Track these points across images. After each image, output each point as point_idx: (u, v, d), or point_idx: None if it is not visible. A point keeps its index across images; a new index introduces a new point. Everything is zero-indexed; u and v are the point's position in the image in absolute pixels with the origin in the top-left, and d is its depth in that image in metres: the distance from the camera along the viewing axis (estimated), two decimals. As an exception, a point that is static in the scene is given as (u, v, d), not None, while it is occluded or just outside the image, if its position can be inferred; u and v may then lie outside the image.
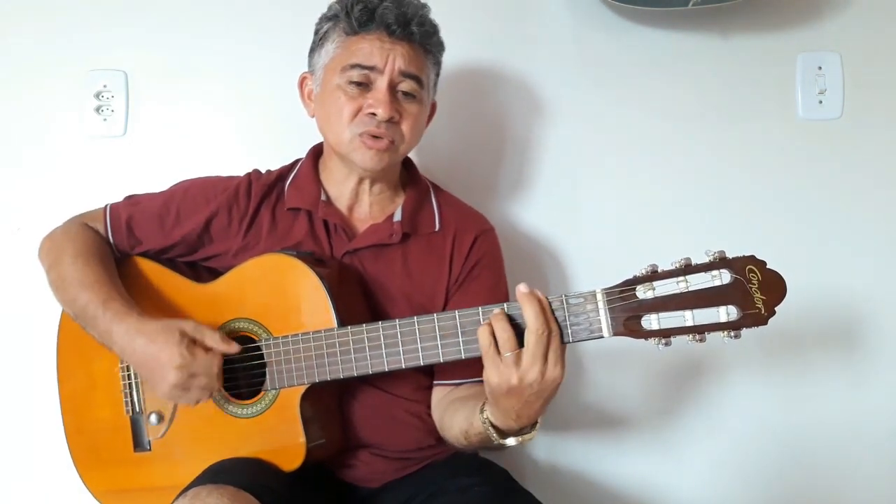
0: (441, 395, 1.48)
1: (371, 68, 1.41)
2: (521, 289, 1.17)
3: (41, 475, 1.79)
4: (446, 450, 1.50)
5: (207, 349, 1.35)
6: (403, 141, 1.44)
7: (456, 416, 1.38)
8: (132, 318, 1.37)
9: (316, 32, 1.50)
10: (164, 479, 1.44)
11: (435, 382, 1.50)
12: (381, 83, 1.41)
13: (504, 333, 1.16)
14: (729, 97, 1.85)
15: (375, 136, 1.41)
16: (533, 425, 1.24)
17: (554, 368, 1.16)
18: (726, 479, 1.81)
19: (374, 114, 1.40)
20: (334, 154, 1.50)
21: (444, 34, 1.52)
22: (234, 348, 1.36)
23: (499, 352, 1.17)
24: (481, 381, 1.27)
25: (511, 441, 1.25)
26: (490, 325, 1.18)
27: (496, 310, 1.19)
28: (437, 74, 1.53)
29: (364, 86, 1.42)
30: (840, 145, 1.85)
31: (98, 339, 1.41)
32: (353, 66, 1.42)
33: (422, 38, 1.44)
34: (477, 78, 1.84)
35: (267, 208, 1.52)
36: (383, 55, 1.41)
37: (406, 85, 1.43)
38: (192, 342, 1.34)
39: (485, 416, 1.25)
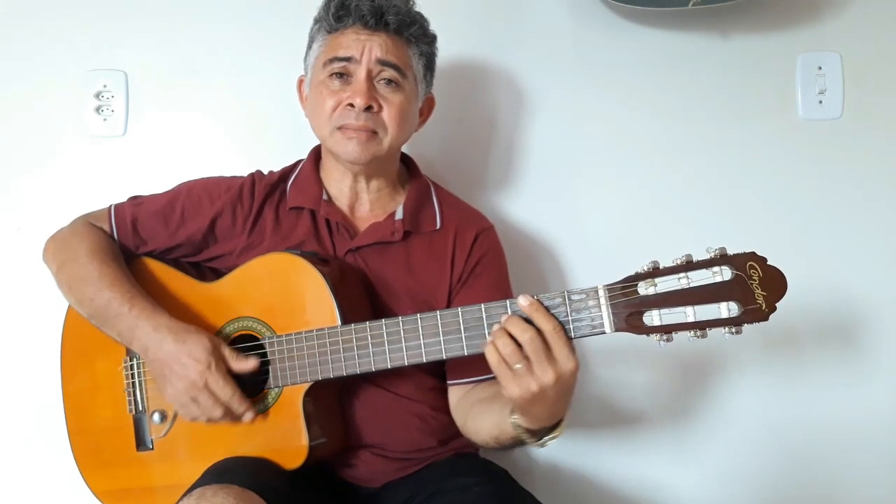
0: (459, 396, 1.48)
1: (348, 59, 1.43)
2: (521, 301, 1.18)
3: (43, 476, 1.78)
4: (447, 450, 1.51)
5: (228, 369, 1.36)
6: (386, 132, 1.45)
7: (482, 421, 1.38)
8: (162, 317, 1.38)
9: (308, 36, 1.53)
10: (166, 478, 1.44)
11: (450, 382, 1.50)
12: (360, 73, 1.43)
13: (507, 348, 1.16)
14: (729, 97, 1.85)
15: (355, 129, 1.42)
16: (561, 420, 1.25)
17: (567, 362, 1.15)
18: (727, 478, 1.81)
19: (352, 105, 1.41)
20: (328, 152, 1.51)
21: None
22: (250, 364, 1.36)
23: (509, 366, 1.16)
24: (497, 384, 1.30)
25: (549, 442, 1.26)
26: (494, 343, 1.17)
27: (495, 326, 1.19)
28: (428, 67, 1.53)
29: (344, 78, 1.44)
30: (840, 145, 1.85)
31: (115, 337, 1.42)
32: (333, 60, 1.44)
33: (399, 28, 1.45)
34: (476, 77, 1.84)
35: (270, 208, 1.53)
36: (360, 46, 1.43)
37: (386, 74, 1.44)
38: (219, 358, 1.35)
39: (517, 423, 1.25)
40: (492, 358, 1.17)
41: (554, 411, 1.21)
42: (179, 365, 1.34)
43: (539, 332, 1.16)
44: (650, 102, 1.85)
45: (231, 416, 1.36)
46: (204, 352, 1.33)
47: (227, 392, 1.34)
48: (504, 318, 1.19)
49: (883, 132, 1.85)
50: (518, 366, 1.15)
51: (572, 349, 1.16)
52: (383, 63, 1.43)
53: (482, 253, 1.52)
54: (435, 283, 1.49)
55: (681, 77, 1.85)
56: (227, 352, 1.37)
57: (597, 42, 1.85)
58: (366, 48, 1.43)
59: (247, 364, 1.36)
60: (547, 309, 1.17)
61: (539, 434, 1.26)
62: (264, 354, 1.38)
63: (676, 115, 1.85)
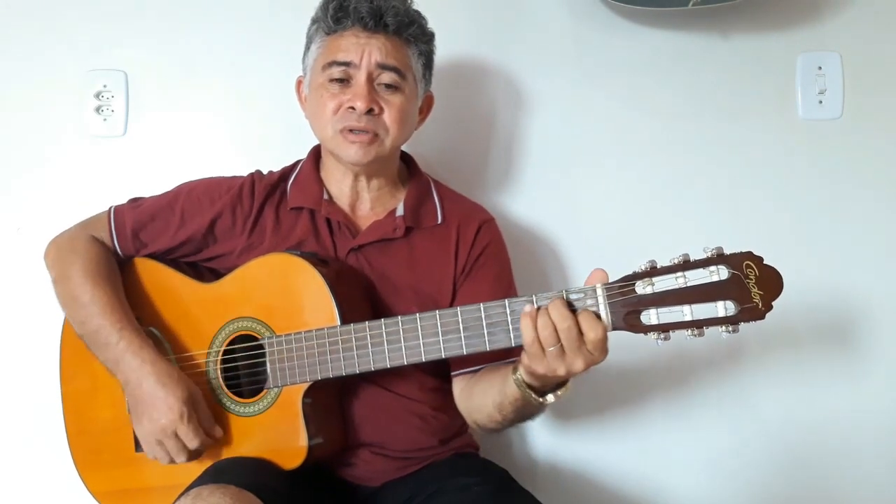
0: (463, 385, 1.48)
1: (348, 63, 1.43)
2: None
3: (43, 476, 1.78)
4: (447, 450, 1.50)
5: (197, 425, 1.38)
6: (388, 133, 1.45)
7: (486, 396, 1.39)
8: (148, 354, 1.40)
9: (306, 36, 1.53)
10: (164, 478, 1.44)
11: (454, 373, 1.50)
12: (360, 77, 1.42)
13: (546, 329, 1.15)
14: (729, 97, 1.85)
15: (356, 130, 1.43)
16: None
17: (599, 354, 1.16)
18: (727, 478, 1.81)
19: (353, 108, 1.42)
20: (329, 152, 1.51)
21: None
22: (216, 434, 1.40)
23: (542, 347, 1.16)
24: (502, 364, 1.34)
25: (550, 398, 1.26)
26: (533, 318, 1.17)
27: (547, 300, 1.18)
28: (427, 65, 1.53)
29: (345, 82, 1.44)
30: (840, 145, 1.85)
31: (102, 362, 1.43)
32: (332, 64, 1.44)
33: (398, 29, 1.45)
34: (475, 76, 1.84)
35: (270, 208, 1.52)
36: (359, 49, 1.42)
37: (386, 77, 1.44)
38: (193, 411, 1.37)
39: (520, 381, 1.26)
40: (527, 333, 1.17)
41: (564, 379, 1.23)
42: (153, 408, 1.36)
43: (577, 323, 1.15)
44: (650, 102, 1.84)
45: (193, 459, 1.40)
46: (178, 401, 1.36)
47: (194, 443, 1.37)
48: (550, 301, 1.17)
49: (883, 132, 1.85)
50: (551, 348, 1.15)
51: (605, 345, 1.16)
52: (383, 66, 1.43)
53: (485, 244, 1.53)
54: (439, 278, 1.49)
55: (681, 77, 1.85)
56: (202, 408, 1.39)
57: (597, 42, 1.84)
58: (365, 52, 1.42)
59: (213, 433, 1.40)
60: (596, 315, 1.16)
61: (543, 392, 1.27)
62: (263, 354, 1.38)
63: (676, 115, 1.84)
